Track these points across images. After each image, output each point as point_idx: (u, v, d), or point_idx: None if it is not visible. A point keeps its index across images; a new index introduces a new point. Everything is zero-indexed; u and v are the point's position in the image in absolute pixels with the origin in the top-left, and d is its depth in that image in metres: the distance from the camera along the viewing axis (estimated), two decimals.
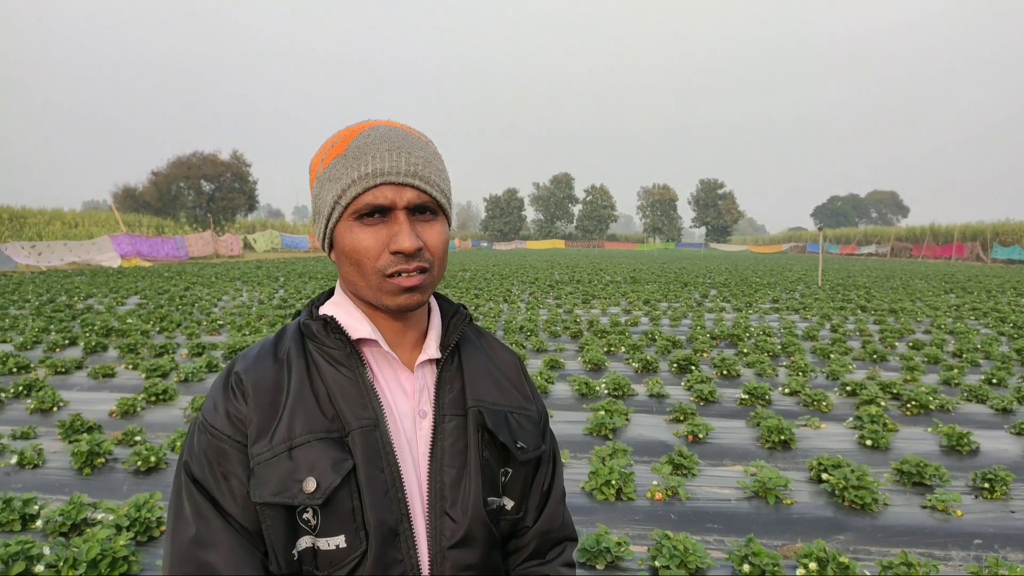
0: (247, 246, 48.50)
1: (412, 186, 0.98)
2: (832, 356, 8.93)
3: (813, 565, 3.17)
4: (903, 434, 5.53)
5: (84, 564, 3.00)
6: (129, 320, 11.52)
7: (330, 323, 1.04)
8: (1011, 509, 4.03)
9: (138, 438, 5.00)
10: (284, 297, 16.14)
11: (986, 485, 4.25)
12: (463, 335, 1.15)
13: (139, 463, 4.43)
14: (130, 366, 7.89)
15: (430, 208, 1.01)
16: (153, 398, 6.24)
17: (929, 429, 5.60)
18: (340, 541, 0.95)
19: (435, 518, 1.00)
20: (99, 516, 3.58)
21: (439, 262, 1.02)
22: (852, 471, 4.17)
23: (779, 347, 9.48)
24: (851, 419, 5.86)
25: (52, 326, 10.75)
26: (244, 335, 10.12)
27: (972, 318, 13.82)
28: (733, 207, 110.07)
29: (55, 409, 6.01)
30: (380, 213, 0.98)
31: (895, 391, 6.67)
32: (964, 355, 9.05)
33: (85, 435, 4.78)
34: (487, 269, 30.48)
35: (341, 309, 1.07)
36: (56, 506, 3.78)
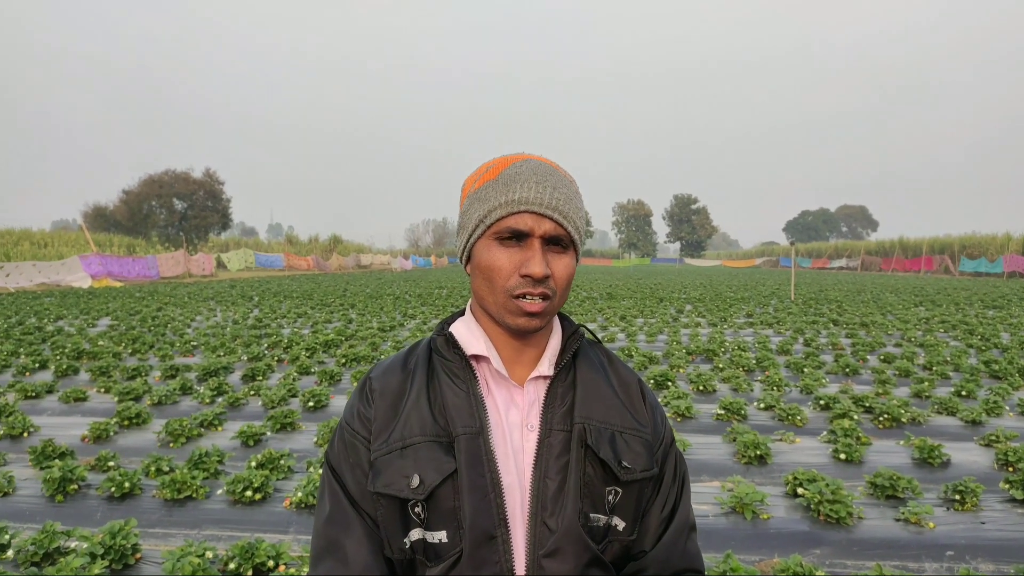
0: (220, 265, 47.88)
1: (551, 218, 1.07)
2: (806, 370, 9.05)
3: None
4: (876, 447, 5.62)
5: None
6: (100, 342, 11.34)
7: (451, 339, 1.16)
8: (981, 520, 4.12)
9: (112, 463, 4.93)
10: (259, 317, 15.98)
11: (957, 497, 4.33)
12: (583, 354, 1.21)
13: (113, 489, 4.37)
14: (102, 389, 7.77)
15: (563, 241, 1.10)
16: (126, 422, 6.15)
17: (901, 442, 5.69)
18: (442, 536, 1.04)
19: (535, 526, 1.05)
20: (72, 544, 3.51)
21: (562, 291, 1.11)
22: (827, 485, 4.23)
23: (754, 362, 9.59)
24: (825, 433, 5.95)
25: (21, 349, 10.54)
26: (219, 356, 10.01)
27: (941, 331, 14.09)
28: (707, 222, 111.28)
29: (25, 435, 5.89)
30: (517, 238, 1.07)
31: (867, 404, 6.78)
32: (934, 368, 9.22)
33: (57, 461, 4.70)
34: (464, 286, 30.46)
35: (464, 326, 1.19)
36: (28, 535, 3.69)
